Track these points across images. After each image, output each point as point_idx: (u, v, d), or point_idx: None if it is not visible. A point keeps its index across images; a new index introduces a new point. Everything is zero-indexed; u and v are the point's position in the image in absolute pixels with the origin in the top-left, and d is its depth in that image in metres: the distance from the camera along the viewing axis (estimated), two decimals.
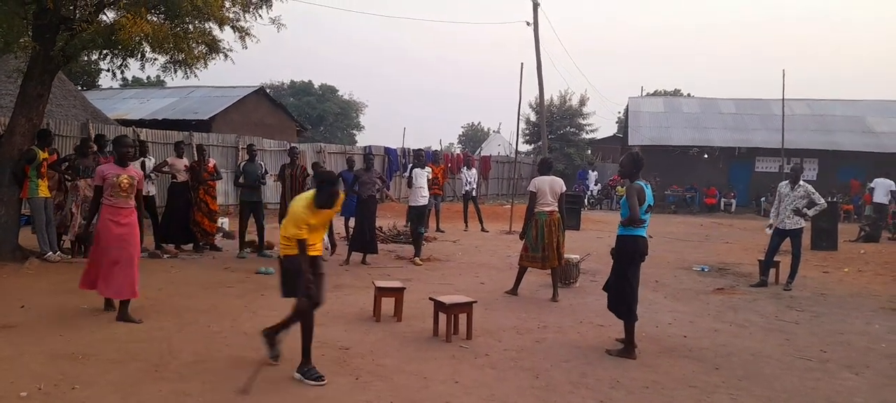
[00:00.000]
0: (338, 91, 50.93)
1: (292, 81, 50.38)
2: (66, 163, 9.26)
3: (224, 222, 12.37)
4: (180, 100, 25.28)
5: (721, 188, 26.40)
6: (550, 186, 7.59)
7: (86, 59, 10.92)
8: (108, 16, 8.62)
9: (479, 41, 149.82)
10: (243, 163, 10.68)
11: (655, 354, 5.46)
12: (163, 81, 31.10)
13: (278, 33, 9.66)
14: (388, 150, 22.92)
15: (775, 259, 9.10)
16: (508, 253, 11.34)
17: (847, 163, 25.31)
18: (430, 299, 5.95)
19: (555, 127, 34.88)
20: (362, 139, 51.56)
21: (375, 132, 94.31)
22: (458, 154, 29.71)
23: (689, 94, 41.75)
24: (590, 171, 29.95)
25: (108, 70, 10.08)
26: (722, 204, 25.84)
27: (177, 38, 8.17)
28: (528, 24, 24.78)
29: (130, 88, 30.30)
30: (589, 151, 36.80)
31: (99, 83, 29.61)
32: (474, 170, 16.43)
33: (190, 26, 8.55)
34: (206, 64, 9.07)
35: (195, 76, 9.38)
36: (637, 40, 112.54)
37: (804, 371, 5.17)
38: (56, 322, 5.69)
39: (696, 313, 7.19)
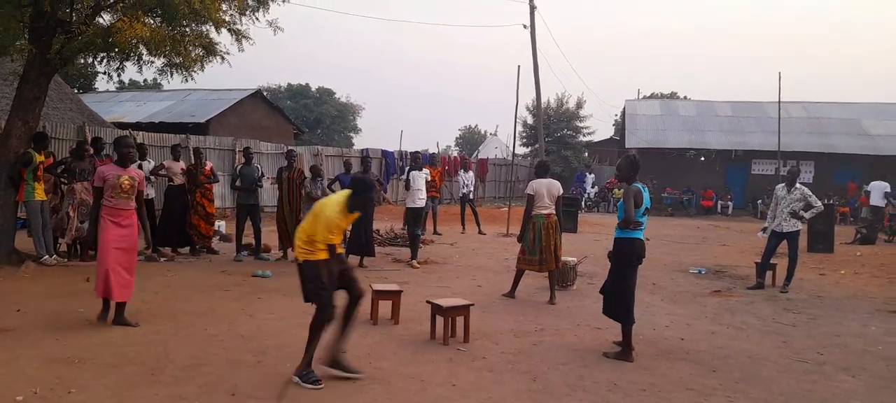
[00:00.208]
0: (335, 94, 50.97)
1: (289, 84, 50.39)
2: (62, 166, 9.24)
3: (221, 225, 12.36)
4: (177, 103, 25.26)
5: (717, 190, 26.45)
6: (548, 189, 7.60)
7: (82, 61, 10.93)
8: (105, 19, 8.61)
9: (477, 44, 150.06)
10: (240, 167, 10.68)
11: (653, 357, 5.46)
12: (159, 84, 31.02)
13: (275, 36, 9.65)
14: (385, 153, 22.92)
15: (772, 261, 9.11)
16: (505, 255, 11.34)
17: (843, 166, 25.38)
18: (428, 302, 5.95)
19: (552, 129, 34.91)
20: (359, 142, 51.59)
21: (372, 135, 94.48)
22: (455, 156, 29.71)
23: (685, 97, 41.81)
24: (587, 174, 29.99)
25: (104, 73, 10.08)
26: (718, 206, 25.88)
27: (173, 41, 8.16)
28: (524, 27, 24.83)
29: (127, 91, 30.27)
30: (586, 154, 36.80)
31: (95, 86, 29.58)
32: (471, 173, 16.43)
33: (187, 29, 8.55)
34: (202, 67, 9.06)
35: (192, 79, 9.39)
36: (634, 42, 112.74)
37: (801, 373, 5.18)
38: (52, 325, 5.66)
39: (694, 315, 7.19)
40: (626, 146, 28.29)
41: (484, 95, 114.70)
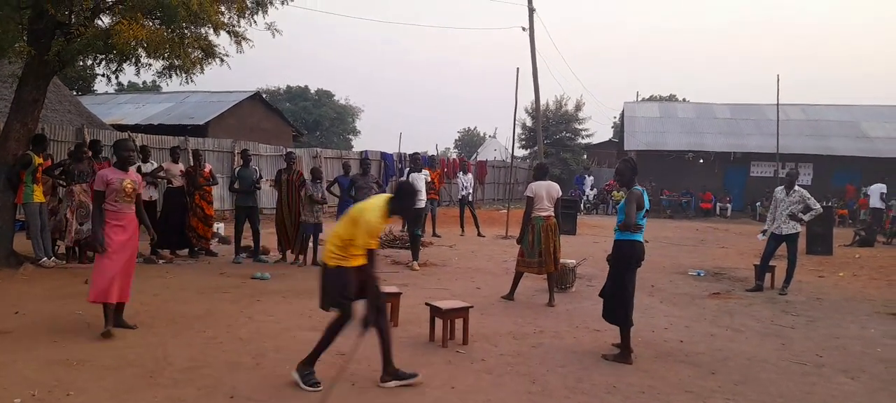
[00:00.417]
0: (334, 96, 51.00)
1: (288, 86, 50.43)
2: (60, 169, 9.23)
3: (220, 227, 12.35)
4: (176, 105, 25.25)
5: (716, 193, 26.48)
6: (547, 191, 7.60)
7: (81, 63, 10.91)
8: (104, 21, 8.61)
9: (476, 46, 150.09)
10: (238, 169, 10.67)
11: (651, 359, 5.46)
12: (158, 86, 31.03)
13: (274, 39, 9.65)
14: (384, 155, 22.92)
15: (771, 263, 9.12)
16: (504, 258, 11.33)
17: (842, 168, 25.43)
18: (427, 304, 5.95)
19: (551, 132, 34.93)
20: (358, 144, 51.64)
21: (372, 137, 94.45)
22: (454, 159, 29.72)
23: (684, 99, 41.89)
24: (586, 176, 30.00)
25: (103, 75, 10.08)
26: (717, 208, 25.90)
27: (172, 43, 8.16)
28: (523, 29, 24.87)
29: (126, 93, 30.27)
30: (585, 156, 36.84)
31: (94, 88, 29.55)
32: (470, 175, 16.44)
33: (186, 31, 8.54)
34: (202, 69, 9.06)
35: (191, 81, 9.38)
36: (633, 43, 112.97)
37: (800, 375, 5.18)
38: (50, 328, 5.65)
39: (693, 318, 7.20)
40: (625, 148, 28.33)
41: (483, 97, 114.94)
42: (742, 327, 6.81)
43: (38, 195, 8.75)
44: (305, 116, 45.95)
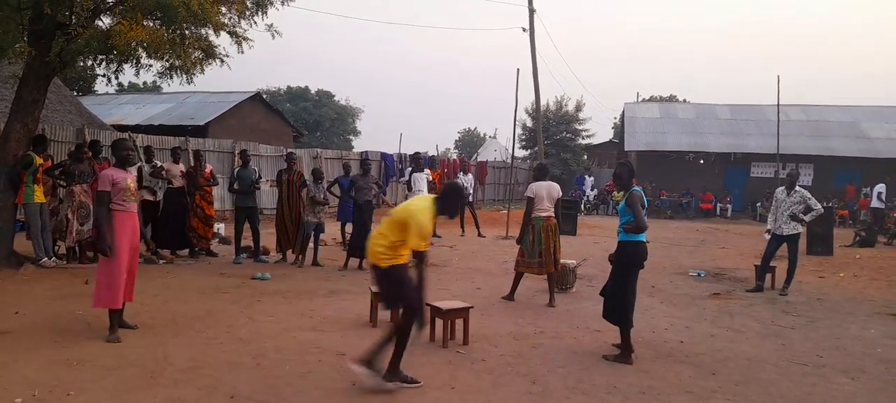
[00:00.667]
0: (334, 96, 50.98)
1: (289, 87, 50.41)
2: (61, 169, 9.24)
3: (220, 227, 12.35)
4: (176, 105, 25.27)
5: (716, 193, 26.47)
6: (548, 191, 7.60)
7: (82, 64, 10.92)
8: (104, 21, 8.62)
9: (477, 46, 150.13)
10: (237, 169, 10.68)
11: (652, 359, 5.46)
12: (159, 87, 31.06)
13: (274, 40, 9.65)
14: (384, 156, 22.91)
15: (771, 264, 9.12)
16: (505, 258, 11.33)
17: (842, 169, 25.42)
18: (427, 304, 5.93)
19: (551, 132, 34.90)
20: (359, 144, 51.59)
21: (372, 137, 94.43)
22: (454, 159, 29.72)
23: (684, 100, 41.87)
24: (586, 177, 29.99)
25: (103, 76, 10.08)
26: (718, 209, 25.90)
27: (173, 43, 8.17)
28: (524, 30, 24.85)
29: (126, 94, 30.26)
30: (585, 157, 36.81)
31: (95, 89, 29.55)
32: (471, 176, 16.45)
33: (186, 32, 8.55)
34: (202, 69, 9.07)
35: (191, 82, 9.39)
36: (633, 43, 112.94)
37: (800, 376, 5.18)
38: (51, 328, 5.66)
39: (693, 318, 7.19)
40: (626, 149, 28.32)
41: (483, 98, 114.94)
42: (742, 327, 6.81)
43: (39, 195, 8.76)
44: (306, 117, 45.95)
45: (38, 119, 9.10)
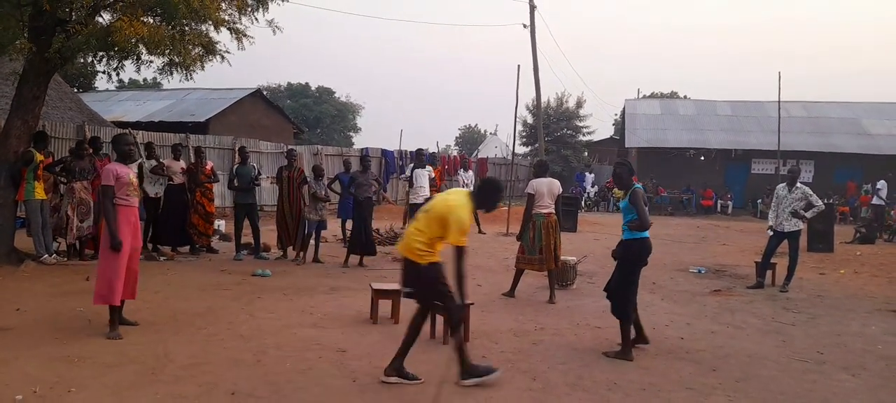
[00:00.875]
0: (334, 93, 50.93)
1: (289, 83, 50.33)
2: (61, 165, 9.24)
3: (221, 224, 12.35)
4: (177, 102, 25.27)
5: (717, 190, 26.45)
6: (548, 188, 7.60)
7: (82, 61, 10.90)
8: (104, 18, 8.60)
9: (477, 43, 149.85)
10: (236, 166, 10.67)
11: (652, 356, 5.46)
12: (159, 83, 31.05)
13: (274, 36, 9.63)
14: (385, 152, 22.91)
15: (772, 260, 9.11)
16: (505, 255, 11.32)
17: (843, 165, 25.40)
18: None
19: (552, 129, 34.87)
20: (359, 141, 51.50)
21: (372, 134, 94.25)
22: (454, 156, 29.69)
23: (685, 96, 41.80)
24: (587, 173, 29.96)
25: (104, 72, 10.10)
26: (718, 205, 25.88)
27: (173, 40, 8.15)
28: (524, 26, 24.78)
29: (127, 90, 30.25)
30: (586, 153, 36.78)
31: (95, 85, 29.55)
32: (471, 173, 16.44)
33: (186, 28, 8.54)
34: (202, 66, 9.06)
35: (191, 78, 9.37)
36: (634, 40, 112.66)
37: (801, 372, 5.18)
38: (52, 325, 5.66)
39: (693, 315, 7.20)
40: (626, 146, 28.30)
41: (484, 94, 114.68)
42: (743, 324, 6.81)
43: (40, 192, 8.75)
44: (306, 113, 45.89)
45: (39, 115, 9.10)
